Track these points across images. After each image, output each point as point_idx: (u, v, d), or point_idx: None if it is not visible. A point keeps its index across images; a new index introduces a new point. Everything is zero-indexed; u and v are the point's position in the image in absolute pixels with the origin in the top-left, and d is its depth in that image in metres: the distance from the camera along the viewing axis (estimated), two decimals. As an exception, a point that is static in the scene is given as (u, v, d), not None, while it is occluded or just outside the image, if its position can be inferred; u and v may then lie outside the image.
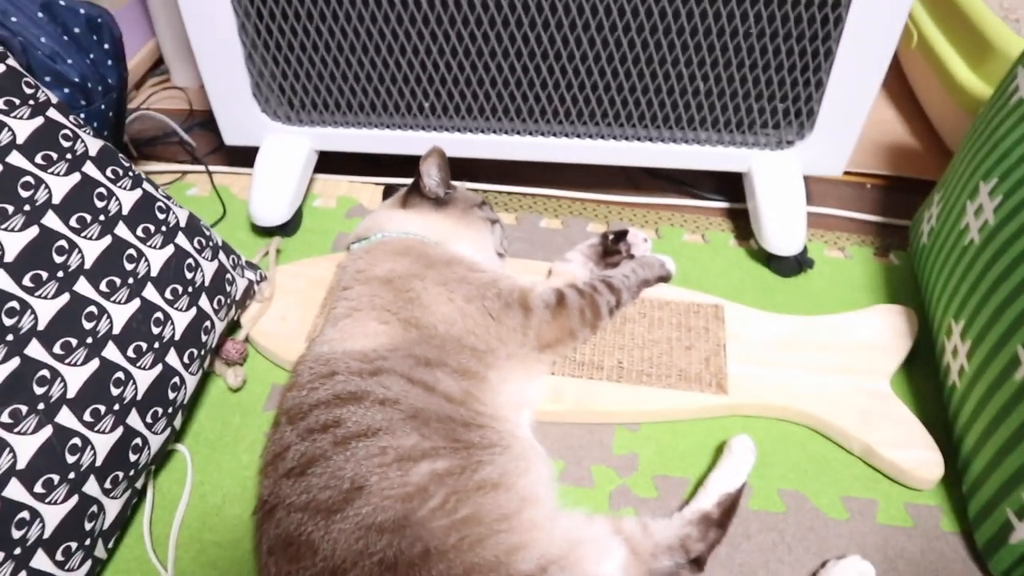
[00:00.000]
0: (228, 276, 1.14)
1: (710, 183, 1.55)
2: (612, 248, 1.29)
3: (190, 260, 1.07)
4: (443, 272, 1.07)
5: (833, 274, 1.37)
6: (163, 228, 1.05)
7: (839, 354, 1.18)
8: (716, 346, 1.19)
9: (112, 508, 0.95)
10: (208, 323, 1.08)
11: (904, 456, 1.06)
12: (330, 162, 1.55)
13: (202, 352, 1.08)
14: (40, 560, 0.86)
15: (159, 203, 1.06)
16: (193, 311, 1.06)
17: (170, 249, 1.05)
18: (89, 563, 0.93)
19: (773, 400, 1.13)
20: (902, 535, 1.02)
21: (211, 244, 1.13)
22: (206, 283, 1.09)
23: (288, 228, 1.40)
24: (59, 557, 0.88)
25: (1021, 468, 0.88)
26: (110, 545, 0.97)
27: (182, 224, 1.08)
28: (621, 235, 1.30)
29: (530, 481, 0.92)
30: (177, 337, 1.03)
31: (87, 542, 0.92)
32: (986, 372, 0.96)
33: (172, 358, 1.02)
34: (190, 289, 1.06)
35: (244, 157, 1.52)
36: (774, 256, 1.34)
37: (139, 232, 1.01)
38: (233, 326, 1.22)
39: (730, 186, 1.53)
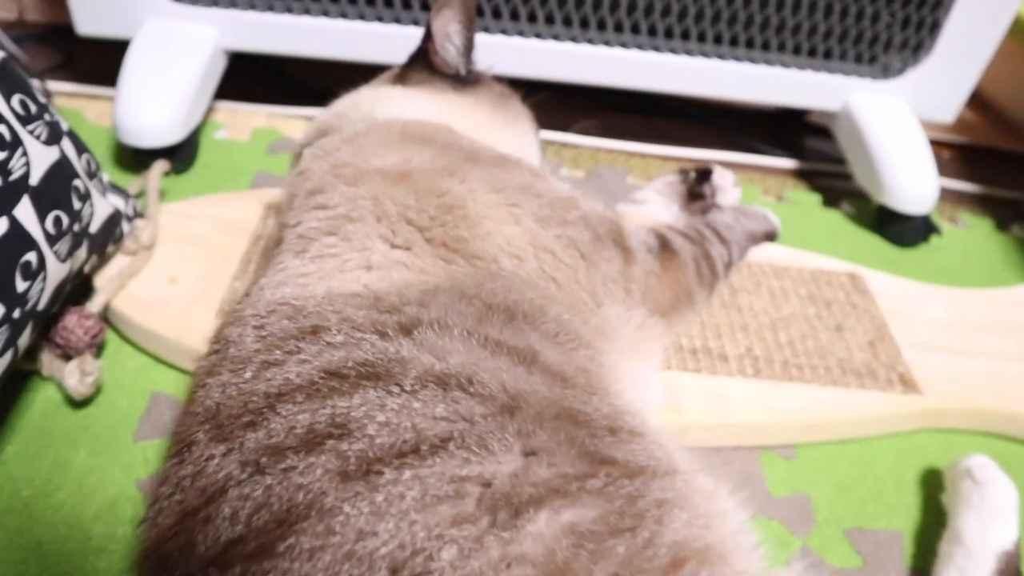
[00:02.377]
0: (77, 183, 0.61)
1: (763, 137, 1.17)
2: (695, 190, 0.86)
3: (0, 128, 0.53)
4: (495, 173, 0.60)
5: (960, 247, 1.01)
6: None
7: (1041, 339, 0.80)
8: (876, 327, 0.78)
9: None
10: (32, 256, 0.54)
11: None
12: (238, 90, 1.05)
13: (13, 310, 0.53)
14: None
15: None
16: (2, 222, 0.52)
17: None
18: None
19: (989, 402, 0.72)
20: None
21: (48, 117, 0.59)
22: (30, 179, 0.55)
23: (179, 156, 0.88)
24: None
25: None
26: None
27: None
28: (704, 174, 0.87)
29: (736, 530, 0.45)
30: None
31: None
32: None
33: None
34: (-5, 184, 0.52)
35: (100, 74, 0.99)
36: (894, 217, 0.96)
37: None
38: (80, 290, 0.68)
39: (790, 144, 1.16)
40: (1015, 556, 0.58)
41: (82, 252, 0.62)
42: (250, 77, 1.09)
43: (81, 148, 0.64)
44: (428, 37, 0.70)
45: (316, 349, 0.44)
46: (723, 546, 0.42)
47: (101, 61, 1.02)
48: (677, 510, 0.41)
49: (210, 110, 1.00)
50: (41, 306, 0.56)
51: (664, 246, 0.67)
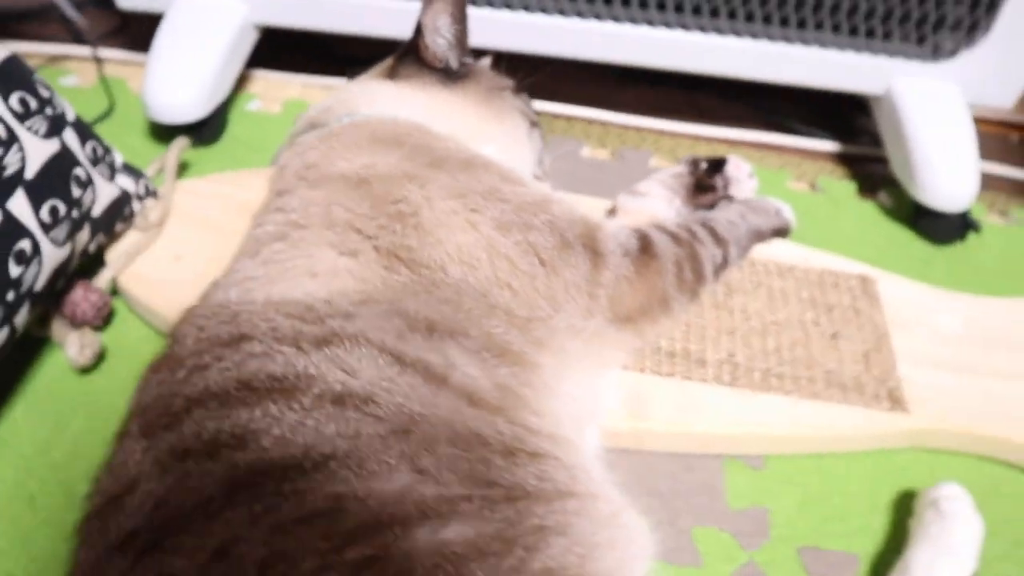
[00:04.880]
0: (78, 172, 0.66)
1: (802, 111, 1.11)
2: (705, 182, 0.84)
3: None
4: (459, 178, 0.60)
5: (1007, 245, 0.94)
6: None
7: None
8: (876, 337, 0.75)
9: None
10: (26, 244, 0.60)
11: None
12: (277, 57, 1.08)
13: (10, 291, 0.59)
14: None
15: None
16: (-6, 218, 0.57)
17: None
18: None
19: (983, 426, 0.69)
20: None
21: (50, 111, 0.64)
22: (27, 166, 0.60)
23: (204, 131, 0.92)
24: None
25: None
26: None
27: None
28: (717, 164, 0.85)
29: (628, 559, 0.46)
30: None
31: None
32: None
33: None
34: (-9, 177, 0.57)
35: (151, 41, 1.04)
36: (929, 213, 0.91)
37: None
38: (92, 264, 0.74)
39: (835, 123, 1.10)
40: (968, 595, 0.57)
41: (84, 235, 0.67)
42: (289, 44, 1.12)
43: (86, 136, 0.68)
44: (418, 30, 0.71)
45: (238, 359, 0.47)
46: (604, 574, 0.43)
47: (153, 27, 1.07)
48: (555, 536, 0.43)
49: (245, 80, 1.03)
50: (38, 287, 0.62)
51: (644, 248, 0.66)
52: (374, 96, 0.69)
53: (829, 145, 1.07)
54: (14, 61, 0.62)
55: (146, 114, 0.89)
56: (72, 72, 1.07)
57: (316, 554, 0.39)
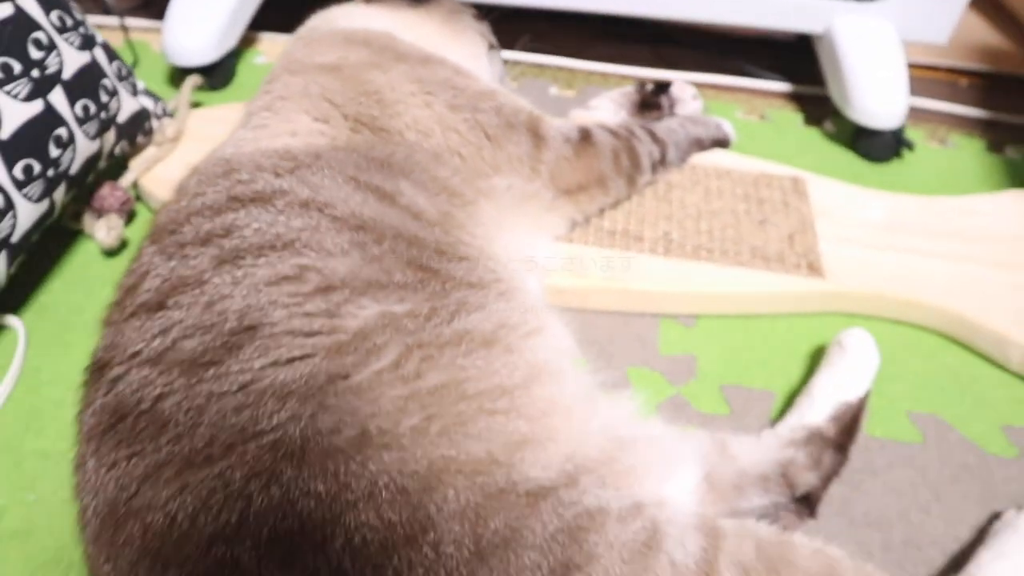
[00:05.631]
0: (105, 81, 0.78)
1: (766, 59, 1.22)
2: (651, 100, 0.95)
3: (39, 33, 0.71)
4: (418, 69, 0.72)
5: (936, 165, 1.03)
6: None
7: (975, 243, 0.83)
8: (801, 223, 0.84)
9: None
10: (62, 131, 0.72)
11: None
12: (282, 22, 1.21)
13: (47, 170, 0.71)
14: None
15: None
16: (37, 106, 0.69)
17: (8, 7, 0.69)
18: None
19: (892, 290, 0.78)
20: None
21: (83, 31, 0.77)
22: (63, 73, 0.72)
23: (215, 75, 1.05)
24: None
25: None
26: None
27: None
28: (663, 86, 0.96)
29: (545, 345, 0.56)
30: (4, 136, 0.67)
31: None
32: None
33: (-9, 162, 0.66)
34: (35, 74, 0.69)
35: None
36: (865, 132, 1.00)
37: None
38: (116, 170, 0.86)
39: (786, 65, 1.20)
40: (857, 408, 0.65)
41: (111, 136, 0.80)
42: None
43: (112, 56, 0.81)
44: (389, -41, 0.83)
45: (228, 184, 0.58)
46: (530, 348, 0.54)
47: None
48: (482, 313, 0.53)
49: (254, 40, 1.16)
50: (73, 171, 0.74)
51: (584, 138, 0.77)
52: (350, 13, 0.81)
53: (781, 86, 1.17)
54: (51, -14, 0.75)
55: (166, 60, 1.02)
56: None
57: (283, 307, 0.49)
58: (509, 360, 0.52)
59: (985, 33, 1.37)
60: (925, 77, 1.24)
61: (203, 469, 0.44)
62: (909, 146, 1.02)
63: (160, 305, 0.51)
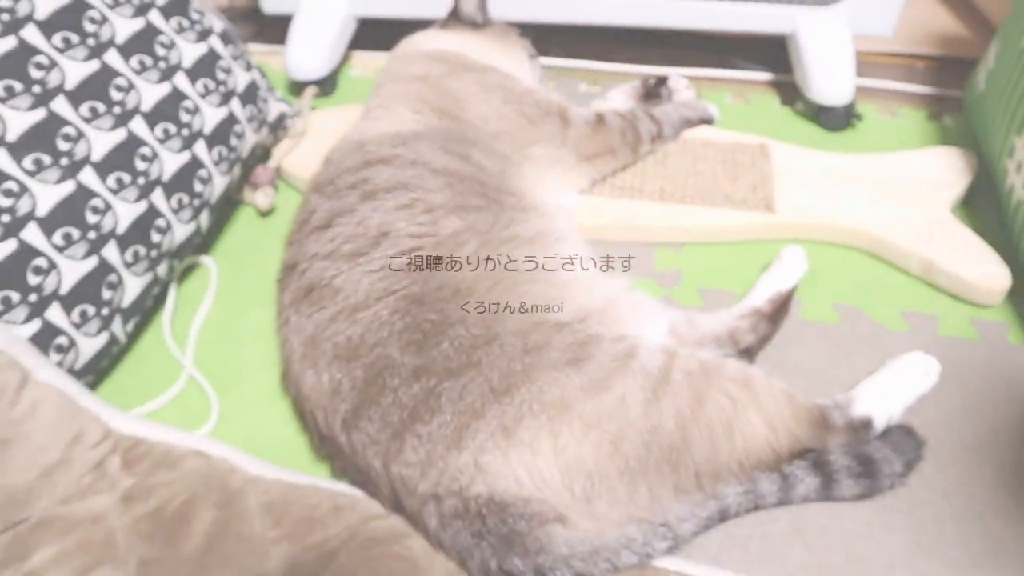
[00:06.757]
0: (261, 93, 1.12)
1: (752, 55, 1.50)
2: (653, 91, 1.25)
3: (222, 62, 1.05)
4: (479, 76, 1.04)
5: (884, 132, 1.31)
6: (196, 27, 1.03)
7: (898, 187, 1.11)
8: (763, 177, 1.14)
9: (131, 285, 0.92)
10: (238, 127, 1.06)
11: (969, 269, 0.99)
12: (369, 40, 1.55)
13: (230, 154, 1.05)
14: (55, 314, 0.84)
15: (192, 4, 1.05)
16: (224, 111, 1.04)
17: (203, 47, 1.03)
18: (106, 336, 0.89)
19: (826, 220, 1.06)
20: (966, 347, 0.95)
21: (245, 57, 1.11)
22: (238, 89, 1.07)
23: (325, 86, 1.39)
24: (75, 317, 0.85)
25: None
26: (128, 327, 0.94)
27: (216, 30, 1.07)
28: (662, 80, 1.26)
29: (569, 248, 0.87)
30: (207, 131, 1.01)
31: (105, 312, 0.88)
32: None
33: (200, 148, 1.00)
34: (222, 89, 1.04)
35: (281, 38, 1.52)
36: (823, 108, 1.29)
37: (172, 24, 1.00)
38: (263, 156, 1.20)
39: (773, 58, 1.48)
40: (786, 295, 0.95)
41: (264, 132, 1.14)
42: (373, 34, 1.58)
43: (263, 75, 1.15)
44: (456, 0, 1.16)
45: (361, 154, 0.91)
46: (559, 249, 0.85)
47: (282, 31, 1.55)
48: (525, 225, 0.85)
49: (349, 57, 1.50)
50: (243, 155, 1.08)
51: (599, 120, 1.08)
52: (430, 37, 1.14)
53: (762, 75, 1.45)
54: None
55: (288, 76, 1.36)
56: (231, 62, 1.56)
57: (404, 220, 0.82)
58: (544, 252, 0.83)
59: (945, 20, 1.62)
60: (888, 63, 1.51)
61: (365, 311, 0.76)
62: (859, 117, 1.30)
63: (328, 224, 0.84)
